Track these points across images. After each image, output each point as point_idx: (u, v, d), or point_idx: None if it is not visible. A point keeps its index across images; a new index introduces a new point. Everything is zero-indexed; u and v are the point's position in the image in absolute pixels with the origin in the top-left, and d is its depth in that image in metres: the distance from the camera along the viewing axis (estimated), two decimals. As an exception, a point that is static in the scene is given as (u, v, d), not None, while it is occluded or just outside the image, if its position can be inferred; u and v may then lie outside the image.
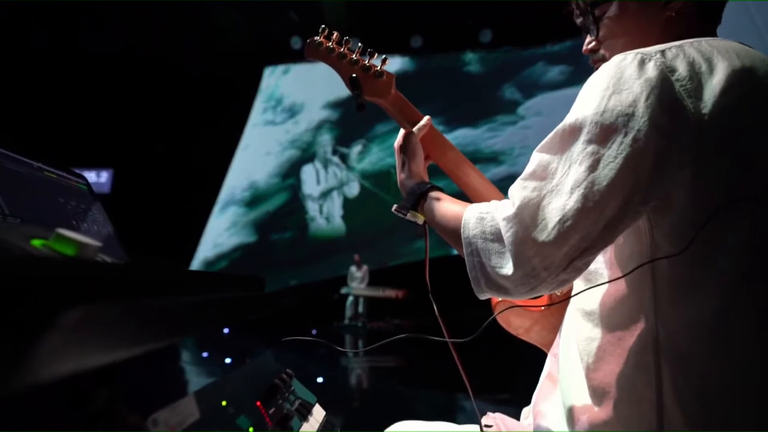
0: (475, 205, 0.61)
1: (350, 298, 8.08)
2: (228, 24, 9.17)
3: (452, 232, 0.62)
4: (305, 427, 0.56)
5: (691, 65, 0.51)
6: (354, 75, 0.81)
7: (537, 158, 0.56)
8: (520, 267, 0.51)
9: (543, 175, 0.54)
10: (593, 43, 0.70)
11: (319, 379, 3.39)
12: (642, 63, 0.52)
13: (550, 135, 0.56)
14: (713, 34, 0.63)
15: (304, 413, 0.58)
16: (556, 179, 0.52)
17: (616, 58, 0.54)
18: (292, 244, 10.20)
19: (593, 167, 0.50)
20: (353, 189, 10.24)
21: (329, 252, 9.77)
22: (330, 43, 0.83)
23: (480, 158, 9.30)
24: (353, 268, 8.19)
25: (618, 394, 0.54)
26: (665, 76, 0.50)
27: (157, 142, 9.48)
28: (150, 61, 9.16)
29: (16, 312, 0.20)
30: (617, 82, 0.51)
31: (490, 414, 0.81)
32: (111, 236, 0.74)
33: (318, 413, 0.63)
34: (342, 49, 0.83)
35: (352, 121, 10.08)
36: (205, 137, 9.68)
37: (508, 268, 0.52)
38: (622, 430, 0.53)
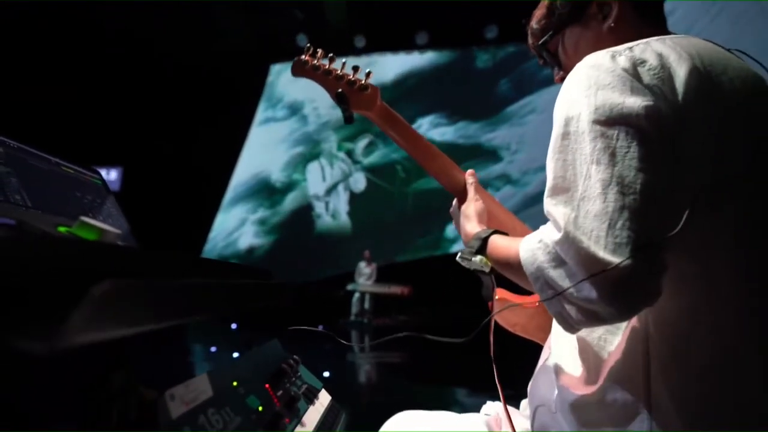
0: (524, 240, 0.57)
1: (356, 295, 8.09)
2: (234, 23, 9.20)
3: (518, 270, 0.57)
4: (312, 409, 0.58)
5: (660, 57, 0.53)
6: (340, 90, 0.86)
7: (550, 171, 0.55)
8: (600, 288, 0.46)
9: (564, 186, 0.52)
10: (561, 73, 0.75)
11: (326, 374, 3.43)
12: (613, 58, 0.54)
13: (552, 145, 0.55)
14: (667, 33, 0.65)
15: (311, 397, 0.60)
16: (580, 186, 0.50)
17: (588, 59, 0.56)
18: (298, 242, 10.24)
19: (612, 163, 0.49)
20: (359, 184, 10.26)
21: (335, 249, 9.81)
22: (315, 61, 0.89)
23: (479, 153, 9.32)
24: (362, 264, 8.18)
25: (610, 380, 0.55)
26: (637, 66, 0.53)
27: (166, 139, 9.57)
28: (158, 60, 9.22)
29: (49, 287, 0.22)
30: (597, 78, 0.53)
31: (489, 403, 0.82)
32: (125, 228, 0.77)
33: (324, 398, 0.65)
34: (327, 66, 0.88)
35: (358, 118, 10.09)
36: (213, 135, 9.75)
37: (588, 291, 0.47)
38: (613, 418, 0.54)
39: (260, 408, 0.47)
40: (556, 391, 0.64)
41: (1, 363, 0.22)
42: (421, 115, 9.77)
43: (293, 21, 9.20)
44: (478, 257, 0.66)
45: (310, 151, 10.61)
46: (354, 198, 10.24)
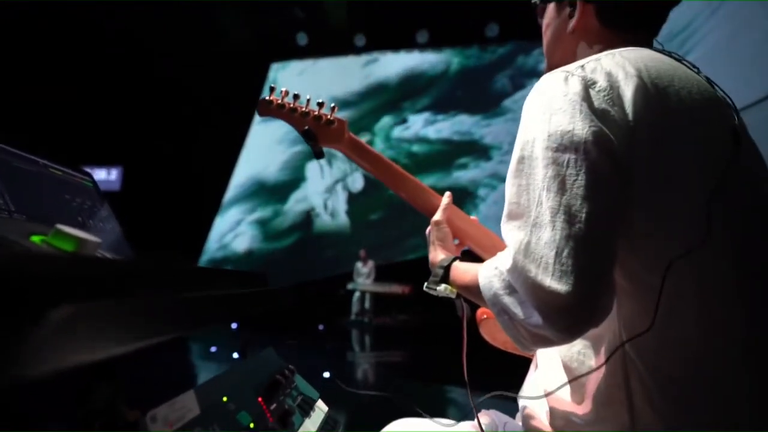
0: (483, 266, 0.60)
1: (356, 294, 8.07)
2: (234, 22, 9.18)
3: (479, 295, 0.60)
4: (307, 423, 0.56)
5: (609, 76, 0.55)
6: (306, 127, 0.87)
7: (508, 195, 0.56)
8: (546, 316, 0.49)
9: (519, 211, 0.54)
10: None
11: (326, 374, 3.41)
12: (566, 80, 0.55)
13: (511, 168, 0.57)
14: (644, 44, 0.66)
15: (306, 409, 0.58)
16: (533, 212, 0.52)
17: (544, 79, 0.58)
18: (297, 241, 10.23)
19: (562, 191, 0.50)
20: (357, 184, 10.24)
21: (334, 248, 9.79)
22: (280, 100, 0.89)
23: (474, 151, 9.34)
24: (359, 264, 8.17)
25: (594, 396, 0.57)
26: (589, 88, 0.54)
27: (166, 139, 9.55)
28: (158, 60, 9.20)
29: (9, 307, 0.20)
30: (550, 103, 0.54)
31: (485, 411, 0.81)
32: (116, 232, 0.74)
33: (320, 409, 0.63)
34: (292, 104, 0.89)
35: (359, 116, 10.08)
36: (213, 135, 9.73)
37: (536, 318, 0.50)
38: (599, 429, 0.56)
39: (251, 425, 0.45)
40: (546, 407, 0.64)
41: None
42: (420, 112, 9.77)
43: (293, 20, 9.18)
44: (443, 285, 0.68)
45: (310, 151, 10.58)
46: (352, 198, 10.22)
